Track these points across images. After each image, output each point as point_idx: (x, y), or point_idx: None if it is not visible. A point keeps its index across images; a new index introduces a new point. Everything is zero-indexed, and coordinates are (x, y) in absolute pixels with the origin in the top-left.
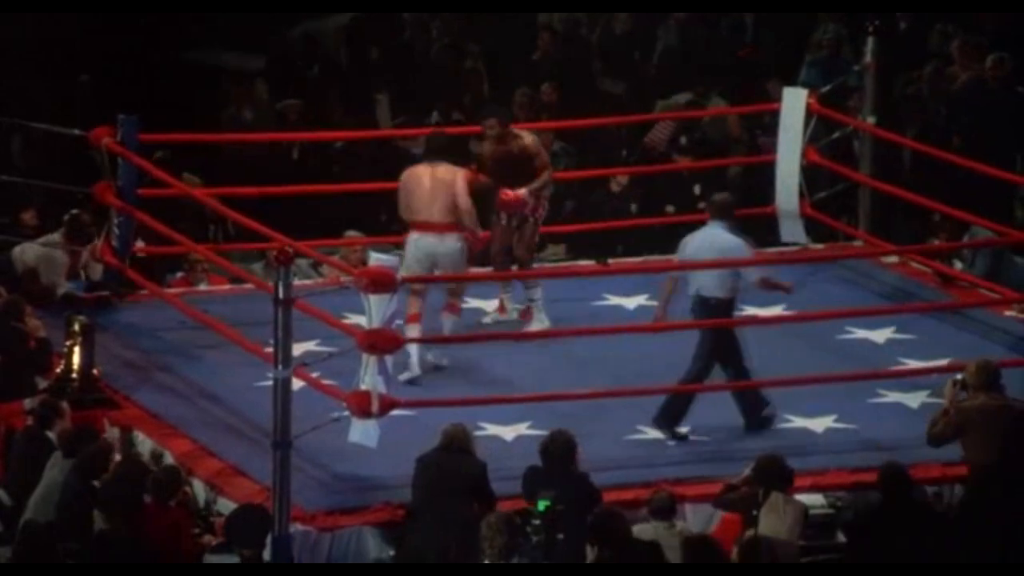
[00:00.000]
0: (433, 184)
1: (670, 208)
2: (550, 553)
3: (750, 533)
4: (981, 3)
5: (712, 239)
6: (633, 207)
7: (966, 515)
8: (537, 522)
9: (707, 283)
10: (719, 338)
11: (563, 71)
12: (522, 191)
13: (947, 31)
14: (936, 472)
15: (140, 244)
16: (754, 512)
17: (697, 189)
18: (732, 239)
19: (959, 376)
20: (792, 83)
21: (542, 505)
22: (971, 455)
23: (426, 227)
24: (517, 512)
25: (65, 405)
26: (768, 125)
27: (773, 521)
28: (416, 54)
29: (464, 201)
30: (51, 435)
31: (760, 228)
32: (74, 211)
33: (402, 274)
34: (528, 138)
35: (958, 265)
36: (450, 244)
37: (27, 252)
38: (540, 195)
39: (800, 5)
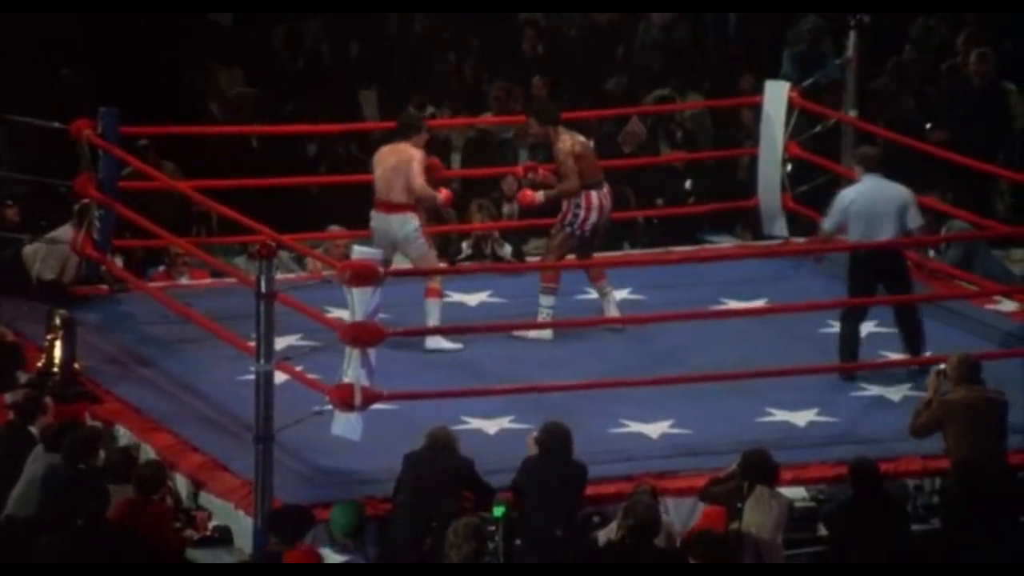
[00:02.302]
0: (395, 164)
1: (660, 201)
2: (509, 558)
3: (735, 526)
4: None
5: (882, 189)
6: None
7: (947, 508)
8: (493, 528)
9: (891, 232)
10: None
11: (553, 65)
12: (539, 194)
13: (929, 25)
14: (917, 465)
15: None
16: (739, 505)
17: (688, 184)
18: (899, 188)
19: (942, 367)
20: (769, 77)
21: (498, 512)
22: (952, 447)
23: (380, 205)
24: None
25: (48, 400)
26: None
27: (758, 515)
28: (398, 49)
29: (416, 181)
30: (33, 430)
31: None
32: (84, 201)
33: (374, 252)
34: (563, 143)
35: (930, 252)
36: (396, 223)
37: (38, 250)
38: (569, 204)
39: (785, 4)
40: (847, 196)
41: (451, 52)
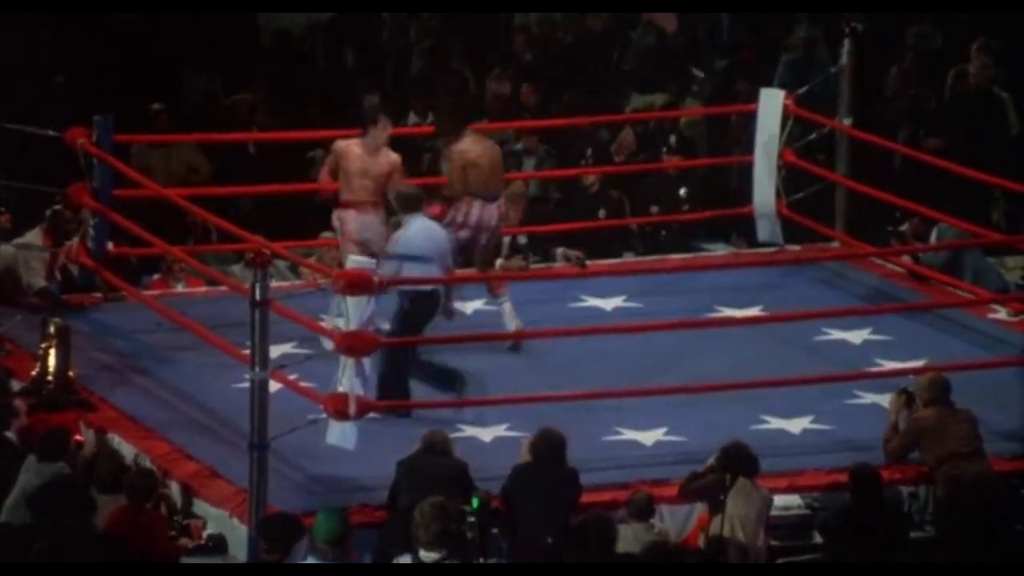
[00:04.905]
0: None
1: (654, 208)
2: (485, 548)
3: (718, 519)
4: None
5: (431, 230)
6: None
7: (942, 515)
8: (472, 519)
9: (441, 273)
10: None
11: (545, 72)
12: None
13: (924, 31)
14: (912, 472)
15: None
16: (722, 497)
17: (683, 191)
18: (442, 229)
19: (903, 387)
20: (764, 84)
21: (476, 502)
22: (932, 460)
23: None
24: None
25: (18, 403)
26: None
27: (741, 506)
28: (395, 55)
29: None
30: (10, 435)
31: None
32: (55, 207)
33: (369, 261)
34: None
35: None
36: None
37: (4, 253)
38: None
39: (780, 5)
40: (403, 239)
41: (452, 60)
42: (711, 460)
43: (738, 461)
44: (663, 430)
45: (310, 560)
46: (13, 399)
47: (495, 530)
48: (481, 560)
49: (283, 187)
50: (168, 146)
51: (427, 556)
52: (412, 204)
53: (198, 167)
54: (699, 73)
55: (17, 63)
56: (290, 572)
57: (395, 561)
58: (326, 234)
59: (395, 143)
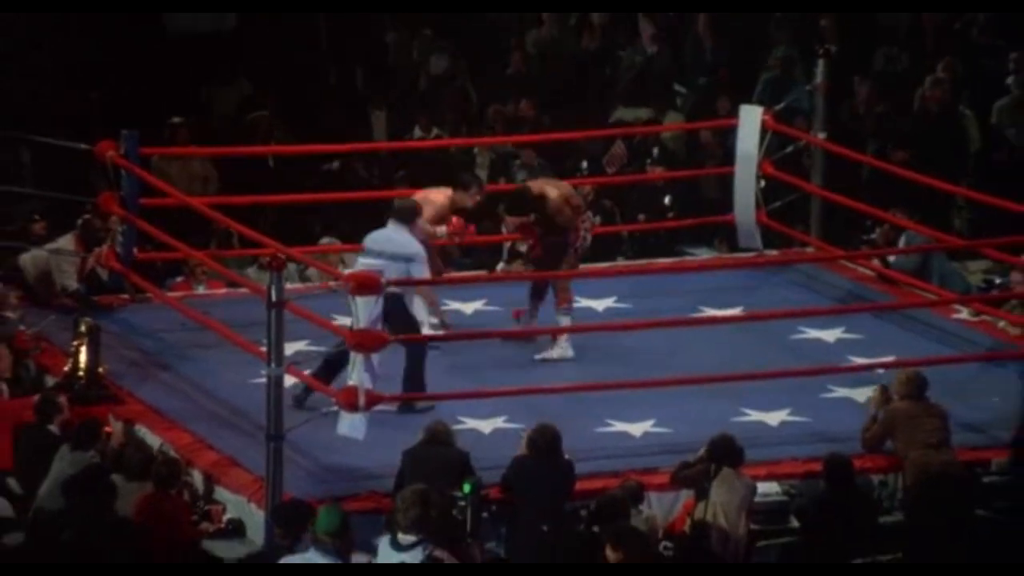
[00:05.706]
0: None
1: (641, 216)
2: (476, 531)
3: (703, 504)
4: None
5: (394, 236)
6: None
7: (911, 502)
8: (463, 503)
9: (394, 274)
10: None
11: (540, 89)
12: None
13: (891, 53)
14: (882, 461)
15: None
16: (706, 485)
17: (667, 200)
18: (410, 238)
19: (885, 385)
20: (744, 101)
21: (468, 487)
22: (902, 450)
23: None
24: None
25: (62, 399)
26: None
27: (725, 494)
28: (400, 73)
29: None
30: (53, 428)
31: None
32: (86, 216)
33: (378, 264)
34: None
35: (890, 258)
36: None
37: (37, 258)
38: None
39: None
40: (369, 236)
41: (455, 79)
42: (702, 451)
43: (723, 452)
44: (651, 422)
45: (312, 551)
46: (56, 395)
47: (486, 514)
48: (469, 541)
49: (299, 196)
50: (185, 158)
51: (404, 539)
52: (407, 215)
53: (210, 178)
54: (682, 89)
55: (49, 77)
56: (292, 572)
57: (374, 543)
58: (325, 240)
59: (400, 156)
